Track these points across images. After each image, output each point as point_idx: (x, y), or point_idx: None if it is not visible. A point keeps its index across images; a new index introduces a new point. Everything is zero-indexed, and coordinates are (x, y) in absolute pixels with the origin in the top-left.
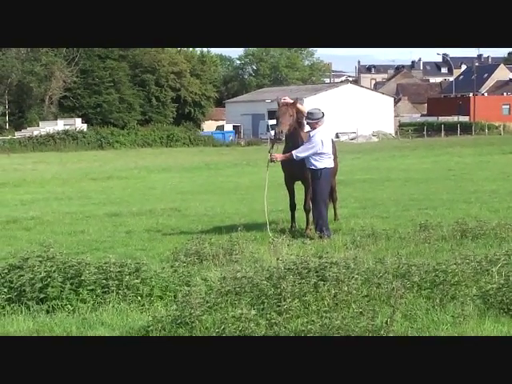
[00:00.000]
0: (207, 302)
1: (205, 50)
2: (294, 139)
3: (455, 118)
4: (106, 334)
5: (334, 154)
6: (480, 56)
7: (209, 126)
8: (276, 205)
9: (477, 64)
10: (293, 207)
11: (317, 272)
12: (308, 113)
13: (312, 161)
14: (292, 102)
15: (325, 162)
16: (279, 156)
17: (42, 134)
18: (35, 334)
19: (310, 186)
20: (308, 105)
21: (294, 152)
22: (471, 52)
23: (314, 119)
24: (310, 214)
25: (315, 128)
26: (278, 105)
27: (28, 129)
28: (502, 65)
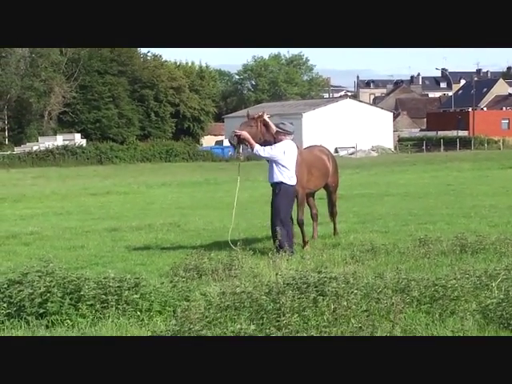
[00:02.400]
0: (206, 317)
1: (204, 64)
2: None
3: (454, 133)
4: None
5: (335, 168)
6: (479, 71)
7: (208, 141)
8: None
9: (476, 79)
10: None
11: (316, 287)
12: (281, 123)
13: (272, 172)
14: (259, 115)
15: (285, 177)
16: (242, 132)
17: (42, 149)
18: None
19: (300, 200)
20: (307, 120)
21: (256, 146)
22: (470, 67)
23: (284, 130)
24: (304, 228)
25: (281, 140)
26: (248, 117)
27: (27, 144)
28: (501, 79)
